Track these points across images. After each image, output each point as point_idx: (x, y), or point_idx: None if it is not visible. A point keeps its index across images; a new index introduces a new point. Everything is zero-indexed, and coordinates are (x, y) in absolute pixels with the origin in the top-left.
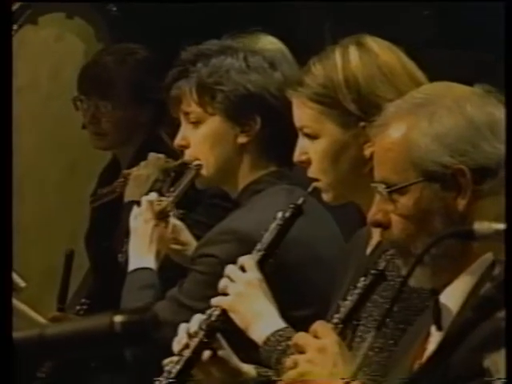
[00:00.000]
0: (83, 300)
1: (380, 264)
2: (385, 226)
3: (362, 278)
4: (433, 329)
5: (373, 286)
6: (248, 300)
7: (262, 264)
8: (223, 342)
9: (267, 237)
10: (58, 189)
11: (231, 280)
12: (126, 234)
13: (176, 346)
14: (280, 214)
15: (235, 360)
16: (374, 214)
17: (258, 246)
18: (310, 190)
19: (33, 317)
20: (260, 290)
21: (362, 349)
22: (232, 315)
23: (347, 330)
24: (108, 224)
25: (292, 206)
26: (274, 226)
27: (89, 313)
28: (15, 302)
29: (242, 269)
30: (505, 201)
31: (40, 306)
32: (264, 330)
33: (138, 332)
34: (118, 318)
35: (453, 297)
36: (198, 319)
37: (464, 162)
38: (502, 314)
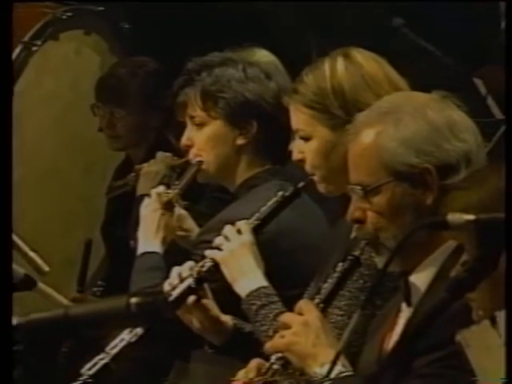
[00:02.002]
0: (99, 283)
1: (356, 251)
2: (362, 221)
3: (340, 263)
4: (403, 305)
5: (350, 270)
6: (239, 257)
7: (256, 231)
8: (208, 292)
9: (265, 210)
10: (78, 185)
11: (227, 239)
12: (138, 223)
13: (167, 286)
14: (280, 193)
15: (216, 310)
16: (352, 212)
17: (255, 216)
18: (302, 184)
19: (56, 297)
20: (250, 251)
21: (348, 326)
22: (223, 268)
23: (327, 308)
24: (121, 216)
25: (292, 187)
26: (272, 201)
27: (104, 294)
28: (40, 284)
29: (239, 232)
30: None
31: (62, 288)
32: (248, 285)
33: (152, 312)
34: (134, 300)
35: (421, 277)
36: (190, 266)
37: (429, 161)
38: (471, 294)
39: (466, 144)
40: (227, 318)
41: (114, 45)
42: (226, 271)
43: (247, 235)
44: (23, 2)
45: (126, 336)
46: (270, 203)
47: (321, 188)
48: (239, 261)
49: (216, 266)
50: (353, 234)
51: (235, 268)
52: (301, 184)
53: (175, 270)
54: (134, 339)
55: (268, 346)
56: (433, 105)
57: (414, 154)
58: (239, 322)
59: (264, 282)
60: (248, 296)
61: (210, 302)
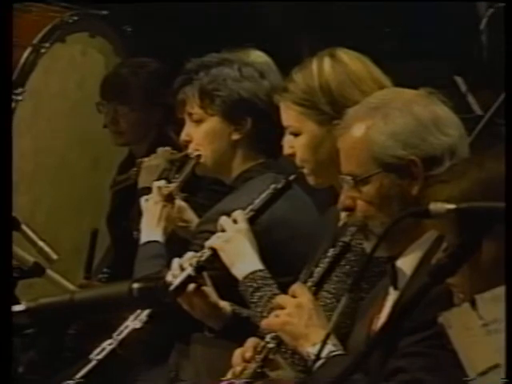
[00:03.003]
0: (105, 270)
1: (346, 237)
2: (352, 209)
3: (332, 249)
4: (390, 289)
5: (340, 255)
6: (235, 243)
7: (251, 221)
8: (208, 280)
9: (259, 202)
10: (85, 178)
11: (223, 228)
12: (140, 214)
13: (169, 277)
14: (273, 185)
15: (215, 296)
16: (343, 200)
17: (250, 207)
18: (293, 176)
19: (64, 284)
20: (246, 237)
21: (337, 308)
22: (221, 254)
23: (319, 291)
24: (125, 208)
25: (284, 180)
26: (266, 193)
27: (109, 280)
28: (49, 271)
29: (235, 221)
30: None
31: (70, 275)
32: (245, 268)
33: (152, 297)
34: (136, 285)
35: (407, 262)
36: (190, 256)
37: (415, 154)
38: (451, 279)
39: (450, 138)
40: (225, 304)
41: (117, 46)
42: (223, 257)
43: (243, 224)
44: (23, 1)
45: (130, 323)
46: (263, 195)
47: (310, 180)
48: (236, 246)
49: (214, 255)
50: (341, 222)
51: (232, 253)
52: (292, 177)
53: (176, 261)
54: (138, 325)
55: (264, 323)
56: (419, 101)
57: (401, 147)
58: (237, 307)
59: (260, 266)
60: (245, 278)
61: (209, 290)
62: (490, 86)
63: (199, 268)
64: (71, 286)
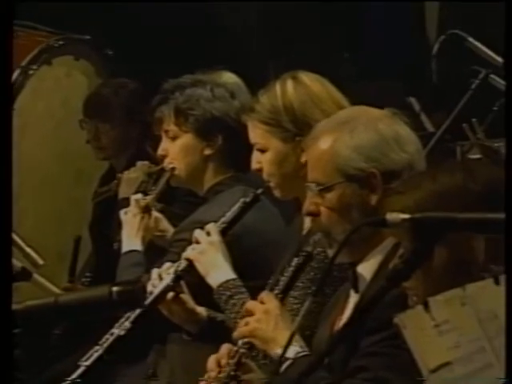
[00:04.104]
0: (87, 274)
1: (308, 247)
2: (315, 215)
3: (296, 258)
4: (352, 292)
5: (303, 264)
6: (209, 254)
7: (223, 233)
8: (185, 288)
9: (230, 214)
10: (68, 190)
11: (198, 240)
12: (120, 224)
13: (149, 287)
14: (242, 199)
15: (192, 303)
16: (307, 206)
17: (222, 220)
18: (261, 190)
19: (49, 287)
20: (219, 248)
21: (301, 311)
22: (196, 264)
23: (285, 298)
24: (106, 217)
25: (252, 194)
26: (236, 207)
27: (91, 284)
28: (35, 275)
29: (208, 234)
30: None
31: (55, 279)
32: (219, 277)
33: (131, 299)
34: (116, 288)
35: (367, 268)
36: (168, 266)
37: (375, 167)
38: (407, 283)
39: (409, 155)
40: (202, 310)
41: (99, 68)
42: (199, 267)
43: (215, 236)
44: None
45: (115, 330)
46: (234, 208)
47: (276, 193)
48: (210, 257)
49: (190, 265)
50: (305, 229)
51: (207, 264)
52: (259, 190)
53: (155, 272)
54: (122, 333)
55: (235, 334)
56: (384, 119)
57: (363, 160)
58: (212, 312)
59: (232, 275)
60: (219, 287)
61: (186, 297)
62: (440, 106)
63: (176, 277)
64: (56, 289)
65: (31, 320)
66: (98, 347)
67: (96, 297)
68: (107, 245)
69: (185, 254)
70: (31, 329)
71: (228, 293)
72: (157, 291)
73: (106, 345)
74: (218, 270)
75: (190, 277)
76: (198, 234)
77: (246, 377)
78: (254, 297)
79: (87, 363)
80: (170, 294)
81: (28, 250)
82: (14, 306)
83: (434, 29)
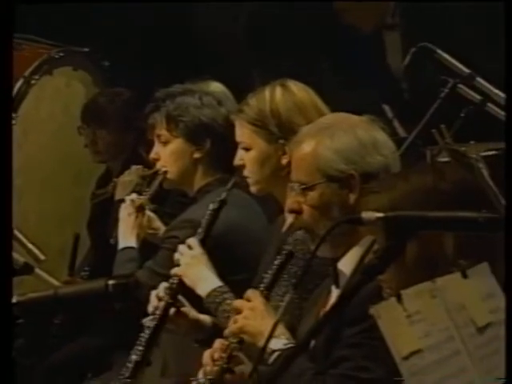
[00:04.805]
0: (85, 268)
1: (289, 244)
2: (298, 212)
3: (278, 257)
4: (333, 287)
5: (285, 262)
6: (193, 268)
7: (203, 242)
8: (184, 301)
9: (204, 222)
10: (68, 191)
11: (181, 254)
12: (116, 223)
13: (150, 308)
14: (211, 206)
15: (194, 312)
16: (290, 204)
17: (199, 229)
18: (229, 186)
19: (50, 280)
20: (202, 260)
21: (282, 303)
22: (184, 279)
23: (270, 294)
24: (103, 216)
25: (218, 200)
26: (207, 214)
27: (89, 277)
28: (37, 270)
29: (189, 247)
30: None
31: (55, 273)
32: (206, 287)
33: (125, 291)
34: (111, 282)
35: (347, 264)
36: (163, 286)
37: (354, 169)
38: (381, 276)
39: (385, 158)
40: (205, 317)
41: (96, 78)
42: (187, 281)
43: (197, 249)
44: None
45: (133, 356)
46: (206, 217)
47: (252, 189)
48: (195, 270)
49: (181, 280)
50: (287, 224)
51: (192, 276)
52: (223, 195)
53: (153, 293)
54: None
55: (226, 331)
56: (362, 125)
57: (343, 162)
58: (215, 318)
59: (218, 283)
60: (207, 297)
61: (187, 309)
62: (412, 113)
63: (173, 295)
64: (56, 283)
65: (33, 310)
66: (122, 377)
67: (93, 289)
68: (104, 242)
69: (173, 272)
70: (33, 319)
71: (217, 300)
72: (159, 312)
73: (128, 374)
74: (204, 281)
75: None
76: (181, 248)
77: (238, 369)
78: (239, 289)
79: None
80: (172, 311)
81: (30, 246)
82: (18, 298)
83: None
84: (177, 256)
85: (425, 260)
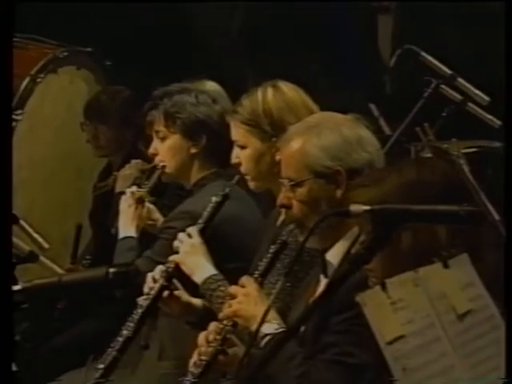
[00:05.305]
0: (87, 257)
1: (283, 235)
2: (288, 207)
3: (273, 246)
4: (322, 276)
5: (279, 251)
6: (192, 256)
7: (202, 232)
8: (178, 285)
9: (205, 214)
10: (71, 184)
11: (181, 242)
12: (117, 214)
13: (145, 288)
14: (214, 199)
15: (186, 296)
16: (281, 199)
17: (200, 220)
18: (234, 181)
19: (54, 268)
20: (200, 249)
21: (274, 290)
22: (182, 266)
23: (263, 281)
24: (104, 207)
25: (221, 193)
26: (210, 206)
27: (91, 265)
28: (42, 258)
29: (189, 235)
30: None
31: (59, 261)
32: (202, 275)
33: (125, 279)
34: (112, 269)
35: (334, 255)
36: (159, 269)
37: (340, 165)
38: (367, 266)
39: (370, 155)
40: (197, 301)
41: (98, 77)
42: (184, 268)
43: (196, 238)
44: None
45: (124, 331)
46: (208, 208)
47: (251, 185)
48: (193, 259)
49: (177, 265)
50: (280, 220)
51: (190, 264)
52: (227, 189)
53: (149, 275)
54: (130, 334)
55: (220, 315)
56: (347, 123)
57: (329, 159)
58: (206, 301)
59: (214, 271)
60: (203, 283)
61: (180, 292)
62: (397, 111)
63: (168, 278)
64: (60, 270)
65: (38, 296)
66: (110, 349)
67: (94, 277)
68: (105, 232)
69: (171, 258)
70: (38, 304)
71: (212, 286)
72: (153, 292)
73: (117, 347)
74: (201, 269)
75: (182, 273)
76: (181, 236)
77: (231, 350)
78: (234, 277)
79: (103, 365)
80: (166, 293)
81: (35, 235)
82: (23, 284)
83: (389, 43)
84: (176, 243)
85: (409, 250)
